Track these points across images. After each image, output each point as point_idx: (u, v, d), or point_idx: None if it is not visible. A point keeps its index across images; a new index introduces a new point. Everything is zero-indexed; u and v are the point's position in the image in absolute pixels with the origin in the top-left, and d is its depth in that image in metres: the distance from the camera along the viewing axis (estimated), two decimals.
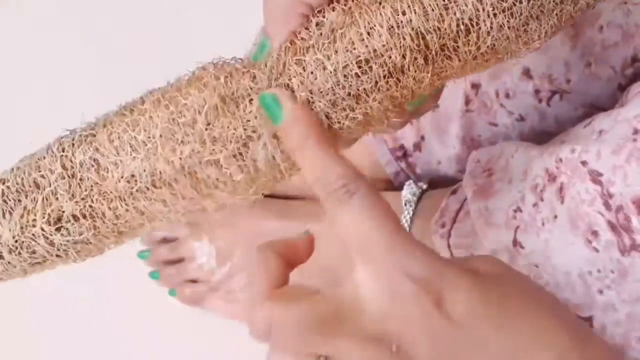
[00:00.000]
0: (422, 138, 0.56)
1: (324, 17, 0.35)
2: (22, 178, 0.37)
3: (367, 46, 0.33)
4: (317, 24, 0.35)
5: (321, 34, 0.34)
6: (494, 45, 0.34)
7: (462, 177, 0.52)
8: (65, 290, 0.63)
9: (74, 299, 0.63)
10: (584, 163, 0.40)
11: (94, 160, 0.36)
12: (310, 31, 0.35)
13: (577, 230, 0.40)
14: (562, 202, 0.41)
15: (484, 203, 0.46)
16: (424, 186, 0.55)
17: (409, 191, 0.54)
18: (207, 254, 0.61)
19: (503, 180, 0.46)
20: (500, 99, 0.50)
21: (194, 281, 0.62)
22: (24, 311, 0.63)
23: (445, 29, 0.33)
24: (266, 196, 0.63)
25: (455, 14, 0.33)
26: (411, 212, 0.53)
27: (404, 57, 0.33)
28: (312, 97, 0.34)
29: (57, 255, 0.37)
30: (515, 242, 0.43)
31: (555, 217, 0.41)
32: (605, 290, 0.40)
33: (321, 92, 0.34)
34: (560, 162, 0.41)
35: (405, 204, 0.53)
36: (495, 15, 0.33)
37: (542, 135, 0.50)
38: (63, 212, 0.36)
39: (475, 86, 0.51)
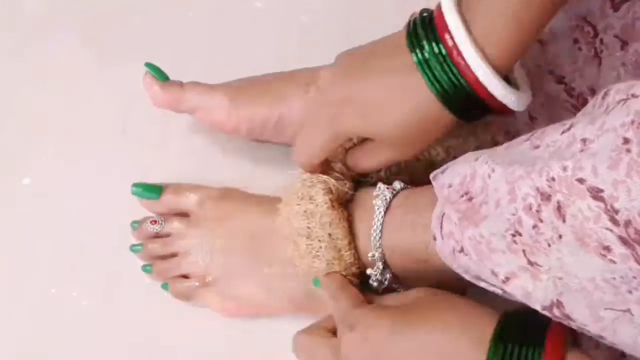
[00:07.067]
0: None
1: None
2: None
3: None
4: None
5: None
6: None
7: None
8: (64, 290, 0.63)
9: (72, 298, 0.63)
10: (580, 180, 0.38)
11: None
12: None
13: (587, 247, 0.39)
14: (564, 221, 0.39)
15: (477, 230, 0.44)
16: (400, 185, 0.56)
17: (380, 196, 0.55)
18: (200, 249, 0.60)
19: (488, 203, 0.44)
20: None
21: (186, 276, 0.61)
22: (24, 311, 0.63)
23: None
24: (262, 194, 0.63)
25: None
26: (382, 214, 0.54)
27: None
28: None
29: None
30: (530, 263, 0.42)
31: (560, 236, 0.40)
32: (634, 291, 0.39)
33: None
34: (552, 180, 0.40)
35: (377, 208, 0.54)
36: None
37: (535, 44, 0.56)
38: None
39: None
